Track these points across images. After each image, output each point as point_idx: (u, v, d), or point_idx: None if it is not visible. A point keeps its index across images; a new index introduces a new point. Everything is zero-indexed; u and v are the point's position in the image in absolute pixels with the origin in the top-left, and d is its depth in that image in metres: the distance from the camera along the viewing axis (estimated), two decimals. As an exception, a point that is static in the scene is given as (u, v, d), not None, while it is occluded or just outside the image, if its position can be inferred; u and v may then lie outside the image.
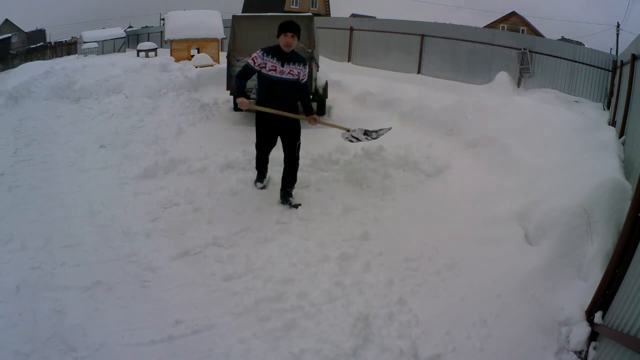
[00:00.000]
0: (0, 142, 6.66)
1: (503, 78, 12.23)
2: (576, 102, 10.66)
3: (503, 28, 36.67)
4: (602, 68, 11.02)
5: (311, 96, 6.82)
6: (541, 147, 5.24)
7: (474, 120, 6.73)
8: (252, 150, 5.00)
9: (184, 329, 2.79)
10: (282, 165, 4.61)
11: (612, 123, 6.95)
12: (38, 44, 38.75)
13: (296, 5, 38.83)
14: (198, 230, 4.00)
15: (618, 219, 3.04)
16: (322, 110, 8.09)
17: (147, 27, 38.72)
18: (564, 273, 3.00)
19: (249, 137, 6.14)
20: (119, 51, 25.48)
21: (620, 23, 27.59)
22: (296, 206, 4.44)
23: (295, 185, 4.66)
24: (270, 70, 4.26)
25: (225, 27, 15.41)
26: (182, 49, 15.12)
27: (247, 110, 4.62)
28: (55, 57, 29.65)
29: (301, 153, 4.69)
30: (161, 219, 4.21)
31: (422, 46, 14.66)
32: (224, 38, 15.20)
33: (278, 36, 4.26)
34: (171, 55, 14.70)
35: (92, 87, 9.53)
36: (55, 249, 3.64)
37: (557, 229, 3.31)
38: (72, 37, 38.91)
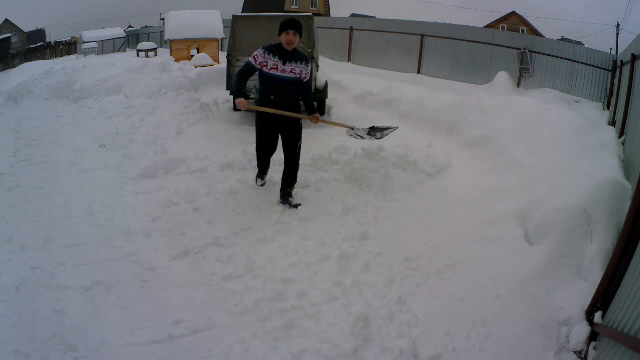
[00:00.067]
0: (0, 142, 6.66)
1: (503, 78, 12.22)
2: (576, 102, 10.65)
3: (503, 28, 36.68)
4: (602, 68, 11.02)
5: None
6: (541, 147, 5.24)
7: (474, 120, 6.73)
8: (252, 150, 5.00)
9: (184, 329, 2.79)
10: (282, 166, 4.59)
11: (612, 123, 6.95)
12: (38, 44, 38.74)
13: (296, 5, 38.82)
14: (198, 230, 4.00)
15: (618, 219, 3.03)
16: (322, 110, 8.09)
17: (147, 27, 38.75)
18: (564, 273, 3.00)
19: (249, 137, 6.15)
20: (119, 51, 25.49)
21: (620, 23, 27.64)
22: (296, 206, 4.44)
23: (296, 186, 4.65)
24: (271, 69, 4.18)
25: (225, 27, 15.40)
26: (182, 49, 15.12)
27: (247, 110, 4.58)
28: (55, 57, 29.67)
29: (301, 153, 4.66)
30: (161, 219, 4.21)
31: (422, 46, 14.66)
32: (224, 38, 15.19)
33: (280, 34, 4.17)
34: (171, 55, 14.69)
35: (92, 87, 9.52)
36: (55, 249, 3.64)
37: (557, 228, 3.31)
38: (72, 37, 38.92)
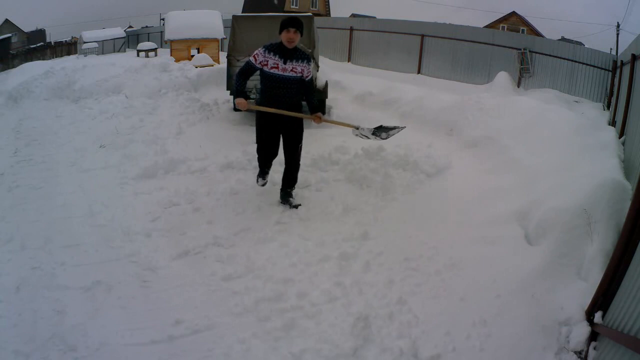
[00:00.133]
0: (0, 142, 6.66)
1: (503, 78, 12.22)
2: (576, 102, 10.65)
3: (503, 28, 36.68)
4: (602, 68, 11.02)
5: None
6: (541, 147, 5.24)
7: (474, 120, 6.73)
8: (252, 150, 4.99)
9: (184, 329, 2.79)
10: (283, 166, 4.58)
11: (612, 123, 6.95)
12: (38, 44, 38.75)
13: (296, 5, 38.83)
14: (198, 230, 4.00)
15: (618, 219, 3.03)
16: (322, 110, 8.06)
17: (147, 27, 38.75)
18: (564, 273, 2.99)
19: (249, 137, 6.15)
20: (119, 51, 25.49)
21: (620, 23, 27.65)
22: (296, 206, 4.43)
23: (296, 186, 4.65)
24: (272, 68, 4.10)
25: (225, 27, 15.41)
26: (182, 49, 15.12)
27: (247, 110, 4.57)
28: (55, 57, 29.67)
29: (301, 153, 4.63)
30: (161, 219, 4.21)
31: (422, 46, 14.66)
32: (224, 38, 15.19)
33: (280, 32, 4.11)
34: (171, 55, 14.70)
35: (92, 87, 9.53)
36: (55, 249, 3.64)
37: (557, 228, 3.31)
38: (72, 37, 38.94)
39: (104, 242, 3.79)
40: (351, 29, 16.77)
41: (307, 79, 4.27)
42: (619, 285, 2.45)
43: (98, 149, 6.18)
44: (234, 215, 4.30)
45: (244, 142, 6.15)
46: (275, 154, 4.50)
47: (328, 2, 42.41)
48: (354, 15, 37.48)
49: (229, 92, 7.99)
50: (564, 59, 11.77)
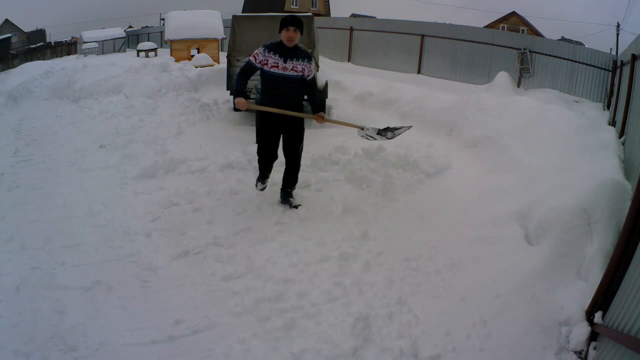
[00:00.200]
0: (0, 142, 6.67)
1: (503, 78, 12.22)
2: (576, 102, 10.65)
3: (503, 28, 36.69)
4: (602, 68, 11.02)
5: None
6: (541, 147, 5.24)
7: (474, 120, 6.73)
8: (252, 150, 4.98)
9: (184, 329, 2.79)
10: (283, 166, 4.57)
11: (612, 123, 6.95)
12: (38, 44, 38.75)
13: (296, 5, 38.82)
14: (198, 230, 4.00)
15: (618, 219, 3.03)
16: (322, 110, 8.07)
17: (147, 27, 38.77)
18: (564, 273, 2.99)
19: (249, 137, 6.15)
20: (119, 51, 25.49)
21: (620, 23, 27.65)
22: (296, 207, 4.43)
23: (296, 186, 4.64)
24: (272, 67, 4.05)
25: (225, 27, 15.41)
26: (182, 49, 15.12)
27: (247, 110, 4.56)
28: (55, 57, 29.68)
29: (302, 154, 4.61)
30: (161, 219, 4.21)
31: (422, 46, 14.66)
32: (224, 38, 15.19)
33: (280, 31, 4.07)
34: (171, 55, 14.70)
35: (92, 87, 9.54)
36: (55, 249, 3.64)
37: (557, 228, 3.31)
38: (72, 37, 38.93)
39: (104, 242, 3.79)
40: (351, 29, 16.77)
41: (308, 78, 4.21)
42: (619, 285, 2.45)
43: (98, 149, 6.18)
44: (234, 215, 4.30)
45: (244, 142, 6.16)
46: (275, 156, 4.45)
47: (328, 2, 42.41)
48: (354, 15, 37.49)
49: (229, 92, 7.99)
50: (564, 59, 11.77)
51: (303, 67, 4.13)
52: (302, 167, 4.67)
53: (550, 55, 12.02)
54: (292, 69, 4.10)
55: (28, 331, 2.70)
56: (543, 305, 2.81)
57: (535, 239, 3.54)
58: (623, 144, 4.84)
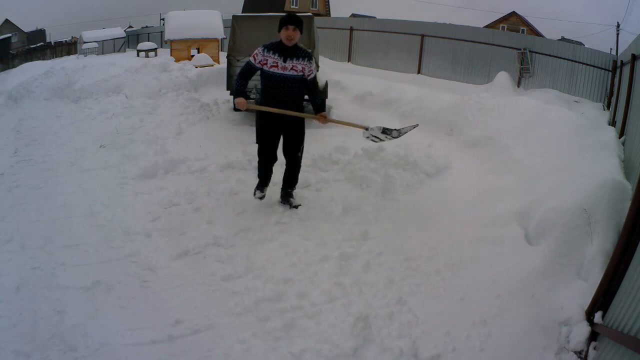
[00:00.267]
0: (0, 142, 6.67)
1: (503, 78, 12.22)
2: (576, 102, 10.65)
3: (503, 28, 36.69)
4: (602, 68, 11.02)
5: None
6: (541, 147, 5.24)
7: (474, 120, 6.73)
8: (252, 150, 4.98)
9: (184, 329, 2.79)
10: (283, 166, 4.56)
11: (612, 123, 6.95)
12: (38, 44, 38.76)
13: (296, 5, 38.83)
14: (198, 230, 4.00)
15: (618, 219, 3.03)
16: (323, 110, 8.08)
17: (147, 27, 38.77)
18: (564, 273, 3.00)
19: (249, 137, 6.15)
20: (119, 51, 25.49)
21: (620, 23, 27.66)
22: (296, 207, 4.42)
23: (296, 186, 4.64)
24: (271, 66, 4.02)
25: (225, 27, 15.41)
26: (182, 49, 15.12)
27: (247, 110, 4.55)
28: (55, 57, 29.69)
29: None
30: (161, 219, 4.21)
31: (422, 46, 14.66)
32: (224, 38, 15.19)
33: (279, 30, 4.04)
34: (171, 55, 14.70)
35: (92, 87, 9.54)
36: (55, 249, 3.64)
37: (557, 228, 3.31)
38: (72, 37, 38.95)
39: (104, 242, 3.79)
40: (351, 29, 16.77)
41: (309, 78, 4.17)
42: (619, 285, 2.45)
43: (98, 149, 6.18)
44: (234, 215, 4.30)
45: (244, 142, 6.16)
46: (274, 158, 4.41)
47: (328, 2, 42.42)
48: (354, 15, 37.49)
49: (229, 92, 7.99)
50: (564, 59, 11.77)
51: (303, 66, 4.10)
52: (302, 167, 4.66)
53: (550, 55, 12.02)
54: (292, 69, 4.07)
55: (28, 331, 2.70)
56: (543, 305, 2.81)
57: (535, 239, 3.54)
58: (623, 144, 4.84)
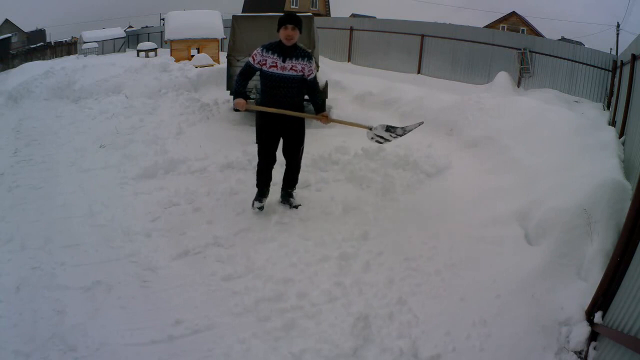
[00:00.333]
0: (0, 142, 6.66)
1: (503, 78, 12.22)
2: (576, 102, 10.66)
3: (503, 28, 36.69)
4: (602, 68, 11.03)
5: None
6: (541, 147, 5.24)
7: (474, 120, 6.73)
8: (252, 150, 4.97)
9: (184, 329, 2.79)
10: (283, 166, 4.54)
11: (612, 123, 6.95)
12: (38, 44, 38.76)
13: (296, 5, 38.83)
14: (198, 230, 4.00)
15: (618, 219, 3.03)
16: (323, 110, 8.08)
17: (147, 27, 38.78)
18: (564, 273, 3.00)
19: (249, 137, 6.15)
20: (118, 51, 25.49)
21: (620, 23, 27.66)
22: (296, 207, 4.42)
23: (296, 186, 4.64)
24: (270, 67, 3.98)
25: (225, 27, 15.41)
26: (182, 49, 15.12)
27: (246, 111, 4.54)
28: (55, 57, 29.69)
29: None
30: (161, 219, 4.21)
31: (422, 46, 14.66)
32: (224, 38, 15.19)
33: (278, 30, 4.01)
34: (171, 55, 14.70)
35: (92, 87, 9.53)
36: (55, 249, 3.64)
37: (557, 228, 3.31)
38: (72, 37, 38.95)
39: (104, 242, 3.79)
40: (351, 29, 16.77)
41: (309, 78, 4.14)
42: (619, 285, 2.45)
43: (98, 149, 6.18)
44: (234, 215, 4.30)
45: (244, 142, 6.15)
46: (274, 159, 4.36)
47: (328, 2, 42.41)
48: (354, 15, 37.49)
49: (229, 92, 7.99)
50: (564, 59, 11.78)
51: (303, 66, 4.06)
52: (302, 167, 4.66)
53: (550, 55, 12.03)
54: (291, 69, 4.03)
55: (28, 331, 2.70)
56: (543, 305, 2.81)
57: (535, 239, 3.54)
58: (623, 144, 4.84)
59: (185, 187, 4.82)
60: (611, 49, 23.28)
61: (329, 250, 3.67)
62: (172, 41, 15.22)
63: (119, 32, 27.54)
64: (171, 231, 3.99)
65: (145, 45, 20.19)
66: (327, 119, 4.27)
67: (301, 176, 4.72)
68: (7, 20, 51.36)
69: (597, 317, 2.49)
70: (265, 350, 2.65)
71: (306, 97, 4.41)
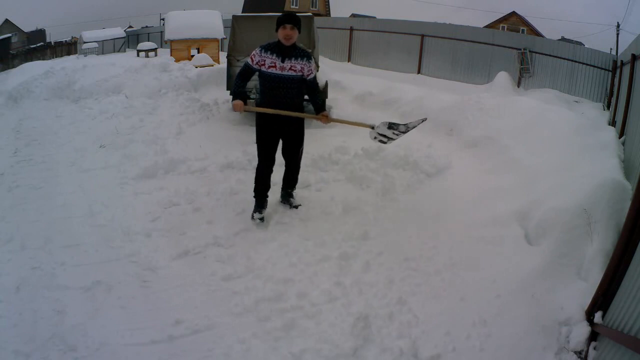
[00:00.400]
0: (0, 142, 6.66)
1: (503, 78, 12.22)
2: (576, 102, 10.66)
3: (503, 28, 36.70)
4: (602, 68, 11.02)
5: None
6: (541, 147, 5.24)
7: (474, 120, 6.73)
8: (252, 150, 4.95)
9: (184, 329, 2.79)
10: (283, 167, 4.52)
11: (612, 123, 6.95)
12: (38, 44, 38.76)
13: (296, 5, 38.82)
14: (198, 230, 4.00)
15: (618, 219, 3.03)
16: (323, 110, 8.08)
17: (147, 27, 38.78)
18: (564, 273, 3.00)
19: (249, 137, 6.14)
20: (118, 51, 25.49)
21: (620, 23, 27.67)
22: (296, 207, 4.42)
23: (296, 186, 4.64)
24: (269, 67, 3.94)
25: (225, 27, 15.41)
26: (182, 49, 15.12)
27: (246, 111, 4.52)
28: (55, 57, 29.69)
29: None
30: (161, 219, 4.21)
31: (422, 46, 14.66)
32: (224, 38, 15.19)
33: (277, 30, 3.97)
34: (171, 55, 14.70)
35: (92, 87, 9.53)
36: (55, 249, 3.64)
37: (557, 228, 3.31)
38: (72, 37, 38.95)
39: (104, 242, 3.79)
40: (351, 29, 16.77)
41: (309, 78, 4.10)
42: (619, 285, 2.45)
43: (98, 149, 6.18)
44: (234, 215, 4.30)
45: (244, 142, 6.15)
46: (273, 160, 4.30)
47: (328, 2, 42.40)
48: (354, 15, 37.50)
49: (228, 92, 7.99)
50: (564, 59, 11.78)
51: (302, 66, 4.02)
52: (302, 167, 4.65)
53: (550, 55, 12.03)
54: (290, 69, 3.99)
55: (28, 331, 2.70)
56: (543, 305, 2.81)
57: (535, 239, 3.54)
58: (623, 144, 4.84)
59: (185, 187, 4.82)
60: (611, 49, 23.31)
61: (329, 250, 3.67)
62: (172, 41, 15.22)
63: (119, 32, 27.54)
64: (171, 231, 3.99)
65: (145, 45, 20.18)
66: (327, 119, 4.23)
67: (301, 176, 4.72)
68: (7, 20, 51.38)
69: (597, 317, 2.49)
70: (265, 350, 2.65)
71: (306, 97, 4.40)
